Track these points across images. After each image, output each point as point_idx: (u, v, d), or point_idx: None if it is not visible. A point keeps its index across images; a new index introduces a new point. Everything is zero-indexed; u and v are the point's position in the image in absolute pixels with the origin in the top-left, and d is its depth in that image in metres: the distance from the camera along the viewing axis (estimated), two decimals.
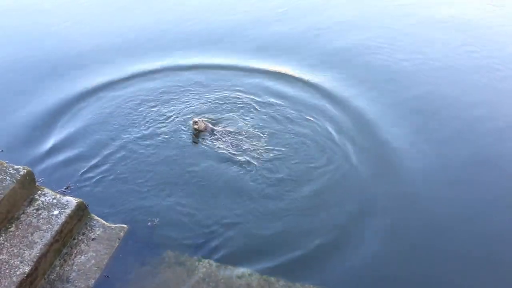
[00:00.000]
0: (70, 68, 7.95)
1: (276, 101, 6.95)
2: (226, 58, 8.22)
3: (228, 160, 5.78)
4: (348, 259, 4.56)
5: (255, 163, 5.70)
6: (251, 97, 7.07)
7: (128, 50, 8.70)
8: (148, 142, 6.07)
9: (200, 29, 9.49)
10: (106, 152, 5.87)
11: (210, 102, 6.96)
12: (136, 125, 6.44)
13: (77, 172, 5.45)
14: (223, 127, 6.33)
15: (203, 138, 6.11)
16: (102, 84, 7.41)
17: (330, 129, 6.32)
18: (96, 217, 4.74)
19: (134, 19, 10.19)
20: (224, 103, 6.93)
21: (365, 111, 6.73)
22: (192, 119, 6.25)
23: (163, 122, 6.47)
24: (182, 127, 6.38)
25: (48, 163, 5.60)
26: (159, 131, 6.30)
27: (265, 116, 6.62)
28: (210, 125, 6.25)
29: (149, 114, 6.67)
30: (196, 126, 6.12)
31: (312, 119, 6.54)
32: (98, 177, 5.39)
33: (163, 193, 5.25)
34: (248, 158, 5.76)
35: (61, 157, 5.73)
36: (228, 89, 7.29)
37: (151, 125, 6.42)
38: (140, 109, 6.80)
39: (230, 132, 6.24)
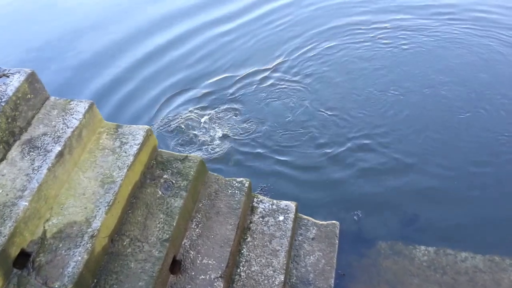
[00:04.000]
0: None
1: None
2: None
3: None
4: None
5: None
6: None
7: None
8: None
9: None
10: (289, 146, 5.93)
11: None
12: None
13: (267, 171, 5.51)
14: None
15: None
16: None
17: None
18: (304, 216, 4.82)
19: None
20: None
21: None
22: None
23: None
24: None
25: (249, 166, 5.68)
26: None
27: None
28: None
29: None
30: None
31: None
32: (289, 175, 5.47)
33: (358, 183, 5.32)
34: None
35: (249, 155, 5.79)
36: None
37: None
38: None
39: None
